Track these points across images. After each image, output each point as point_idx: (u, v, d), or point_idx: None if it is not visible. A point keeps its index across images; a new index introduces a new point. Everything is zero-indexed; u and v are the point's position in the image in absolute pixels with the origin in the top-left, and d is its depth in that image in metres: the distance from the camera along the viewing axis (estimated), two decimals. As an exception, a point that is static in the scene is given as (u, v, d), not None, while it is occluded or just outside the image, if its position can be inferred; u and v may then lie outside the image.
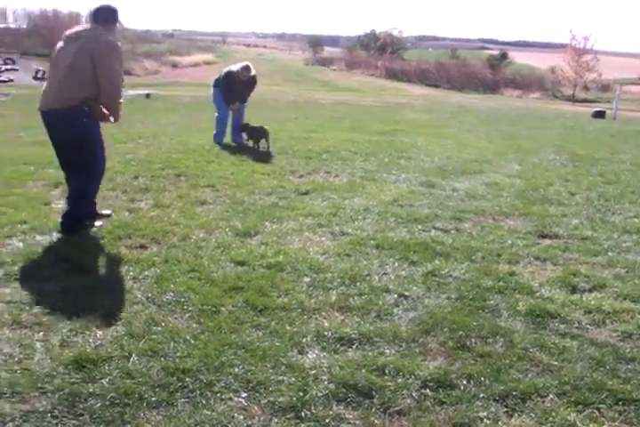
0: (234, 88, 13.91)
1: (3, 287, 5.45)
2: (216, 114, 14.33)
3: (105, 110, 7.01)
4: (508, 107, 33.00)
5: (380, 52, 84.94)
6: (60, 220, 7.09)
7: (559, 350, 4.60)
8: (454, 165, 11.77)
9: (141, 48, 63.26)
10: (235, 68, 14.14)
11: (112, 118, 7.13)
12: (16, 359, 4.24)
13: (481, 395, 3.96)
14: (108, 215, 7.50)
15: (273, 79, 58.96)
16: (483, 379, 4.13)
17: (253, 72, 14.27)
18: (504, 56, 76.40)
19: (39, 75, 46.61)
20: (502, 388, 4.03)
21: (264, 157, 12.02)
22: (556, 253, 6.83)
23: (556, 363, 4.41)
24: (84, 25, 7.16)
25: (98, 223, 7.25)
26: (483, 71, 68.23)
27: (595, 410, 3.89)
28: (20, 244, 6.56)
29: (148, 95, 29.44)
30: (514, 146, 15.39)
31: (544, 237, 7.46)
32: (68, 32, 7.06)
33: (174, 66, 62.34)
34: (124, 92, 7.18)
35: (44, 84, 7.26)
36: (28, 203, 8.05)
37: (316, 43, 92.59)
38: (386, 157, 12.56)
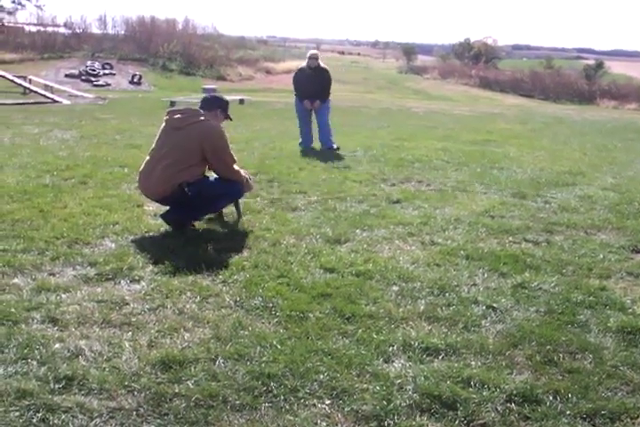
0: (303, 82, 14.06)
1: (94, 287, 5.57)
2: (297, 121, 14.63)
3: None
4: (603, 118, 32.36)
5: (473, 61, 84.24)
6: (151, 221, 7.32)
7: (651, 369, 4.50)
8: (547, 177, 11.61)
9: (236, 54, 63.75)
10: (303, 63, 14.37)
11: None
12: (105, 357, 4.32)
13: (567, 412, 3.88)
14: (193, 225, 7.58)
15: (366, 87, 59.06)
16: (570, 396, 4.05)
17: (323, 64, 14.43)
18: (600, 66, 75.10)
19: (135, 79, 47.59)
20: (590, 406, 3.95)
21: (356, 165, 12.05)
22: (649, 268, 6.68)
23: (647, 382, 4.31)
24: (187, 110, 7.52)
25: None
26: (578, 81, 67.04)
27: (687, 432, 3.79)
28: (112, 244, 6.70)
29: (241, 101, 29.72)
30: (608, 158, 15.10)
31: (638, 252, 7.28)
32: (172, 116, 7.41)
33: (268, 72, 62.61)
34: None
35: (143, 164, 7.52)
36: (121, 204, 8.23)
37: (409, 51, 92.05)
38: (478, 167, 12.46)
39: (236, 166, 7.51)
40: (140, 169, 7.45)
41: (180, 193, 7.09)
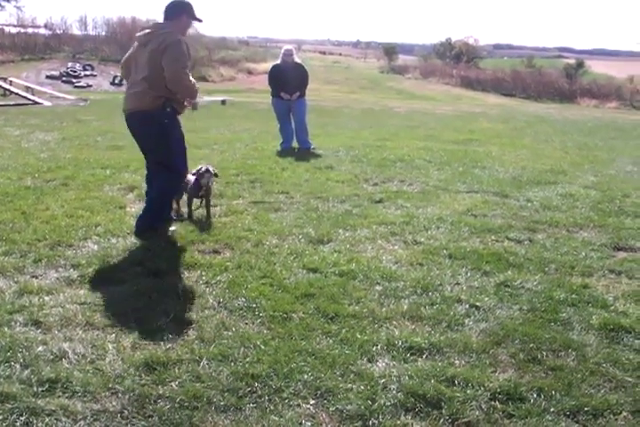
0: (280, 78, 14.09)
1: (77, 289, 5.56)
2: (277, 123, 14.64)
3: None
4: (584, 117, 32.51)
5: (455, 60, 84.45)
6: (134, 223, 7.25)
7: (633, 365, 4.50)
8: (529, 176, 11.65)
9: (218, 55, 63.75)
10: (278, 60, 14.45)
11: (189, 103, 7.45)
12: (88, 360, 4.32)
13: (551, 409, 3.90)
14: (173, 230, 7.38)
15: (349, 87, 59.10)
16: (553, 393, 4.07)
17: (298, 59, 14.55)
18: (580, 65, 75.41)
19: (117, 80, 47.41)
20: (573, 403, 3.97)
21: (338, 165, 12.04)
22: (631, 266, 6.70)
23: (630, 379, 4.32)
24: (153, 25, 7.43)
25: (172, 228, 7.34)
26: (559, 80, 67.30)
27: (670, 428, 3.81)
28: (95, 246, 6.68)
29: (223, 102, 29.75)
30: (590, 157, 15.16)
31: (619, 249, 7.33)
32: (139, 34, 7.30)
33: (250, 72, 62.60)
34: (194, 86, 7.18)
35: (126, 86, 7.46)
36: (104, 206, 8.20)
37: (391, 51, 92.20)
38: (460, 166, 12.50)
39: (192, 79, 7.13)
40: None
41: (158, 113, 6.98)
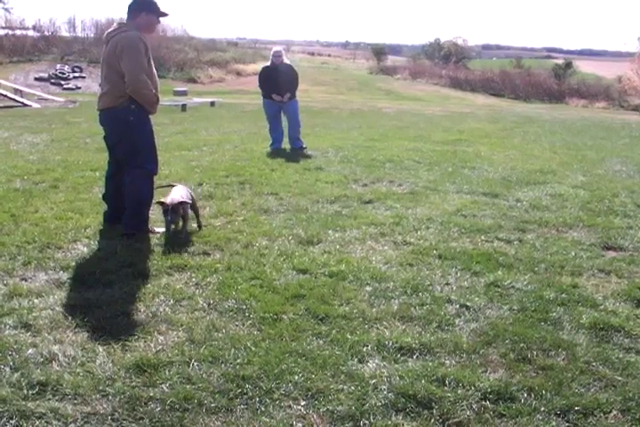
0: (270, 79, 14.13)
1: (67, 291, 5.55)
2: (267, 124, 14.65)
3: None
4: (573, 117, 32.51)
5: (444, 61, 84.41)
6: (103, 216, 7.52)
7: (623, 364, 4.52)
8: (518, 176, 11.66)
9: (206, 56, 63.51)
10: (267, 62, 14.51)
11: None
12: (78, 362, 4.31)
13: (542, 409, 3.91)
14: (158, 233, 7.33)
15: (337, 88, 58.99)
16: (544, 392, 4.07)
17: (287, 60, 14.63)
18: (568, 65, 75.36)
19: (106, 82, 47.16)
20: (564, 402, 3.97)
21: (328, 166, 12.03)
22: (620, 265, 6.72)
23: (619, 378, 4.33)
24: (118, 24, 7.34)
25: (160, 230, 7.31)
26: (547, 81, 67.12)
27: (660, 428, 3.81)
28: (85, 248, 6.67)
29: (212, 103, 29.71)
30: (578, 156, 15.18)
31: (608, 249, 7.35)
32: (105, 32, 7.34)
33: (239, 74, 62.34)
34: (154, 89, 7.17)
35: None
36: (93, 208, 8.18)
37: (379, 51, 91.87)
38: (449, 166, 12.50)
39: (144, 81, 6.99)
40: None
41: (123, 111, 7.03)
